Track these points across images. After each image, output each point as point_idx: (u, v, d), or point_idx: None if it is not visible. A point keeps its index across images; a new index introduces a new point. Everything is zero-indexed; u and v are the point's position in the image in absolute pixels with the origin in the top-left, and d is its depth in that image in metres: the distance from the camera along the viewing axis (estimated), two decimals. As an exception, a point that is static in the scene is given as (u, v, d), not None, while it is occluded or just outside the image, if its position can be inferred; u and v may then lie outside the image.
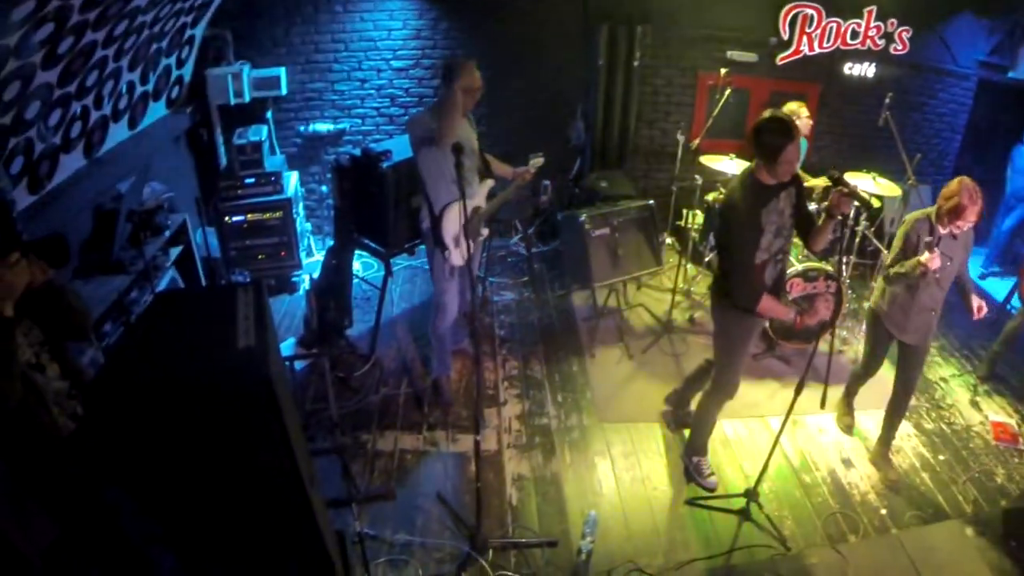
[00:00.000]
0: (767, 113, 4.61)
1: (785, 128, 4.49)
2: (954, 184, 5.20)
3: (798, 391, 4.89)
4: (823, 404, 4.98)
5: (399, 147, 6.29)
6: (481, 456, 4.77)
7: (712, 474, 5.70)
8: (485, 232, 6.07)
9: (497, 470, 5.55)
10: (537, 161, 5.99)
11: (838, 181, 4.75)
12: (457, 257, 5.63)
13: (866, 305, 7.60)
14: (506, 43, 8.38)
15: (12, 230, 3.27)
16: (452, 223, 5.55)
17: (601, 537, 5.00)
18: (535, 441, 5.87)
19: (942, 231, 5.28)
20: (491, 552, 4.81)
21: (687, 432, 5.89)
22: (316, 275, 6.84)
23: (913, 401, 6.81)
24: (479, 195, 5.79)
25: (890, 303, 5.67)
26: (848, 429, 6.40)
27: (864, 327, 6.22)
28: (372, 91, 8.40)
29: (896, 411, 6.04)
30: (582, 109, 8.73)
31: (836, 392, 6.52)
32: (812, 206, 7.09)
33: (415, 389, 6.31)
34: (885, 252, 7.65)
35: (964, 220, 5.18)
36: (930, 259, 5.16)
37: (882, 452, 6.19)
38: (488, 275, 8.00)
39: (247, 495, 2.92)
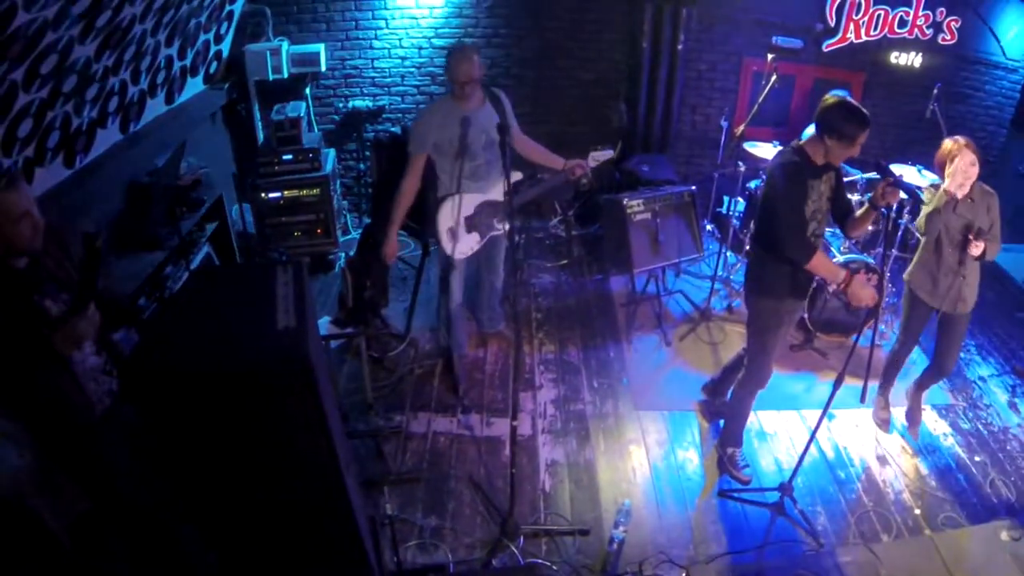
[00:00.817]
0: (845, 98, 4.65)
1: (865, 118, 4.54)
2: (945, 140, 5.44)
3: (837, 384, 4.82)
4: (863, 398, 4.96)
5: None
6: (516, 441, 4.73)
7: (747, 466, 5.65)
8: (501, 228, 5.88)
9: (531, 455, 5.52)
10: (602, 154, 5.87)
11: (885, 171, 4.70)
12: (451, 250, 5.58)
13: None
14: (550, 23, 8.33)
15: (95, 281, 3.29)
16: (445, 216, 5.51)
17: (634, 527, 4.95)
18: (570, 427, 5.84)
19: (953, 191, 5.32)
20: (522, 539, 4.77)
21: (723, 423, 5.84)
22: (352, 253, 6.82)
23: (951, 400, 6.76)
24: (494, 189, 5.68)
25: (918, 267, 5.69)
26: (884, 424, 6.30)
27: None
28: (413, 69, 8.34)
29: (925, 383, 6.17)
30: (625, 92, 8.64)
31: (874, 386, 6.41)
32: (855, 197, 7.02)
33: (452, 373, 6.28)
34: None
35: (964, 172, 5.25)
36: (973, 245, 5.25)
37: (909, 411, 6.35)
38: (527, 257, 7.95)
39: (284, 479, 2.91)
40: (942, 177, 5.42)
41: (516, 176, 5.66)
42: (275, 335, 2.71)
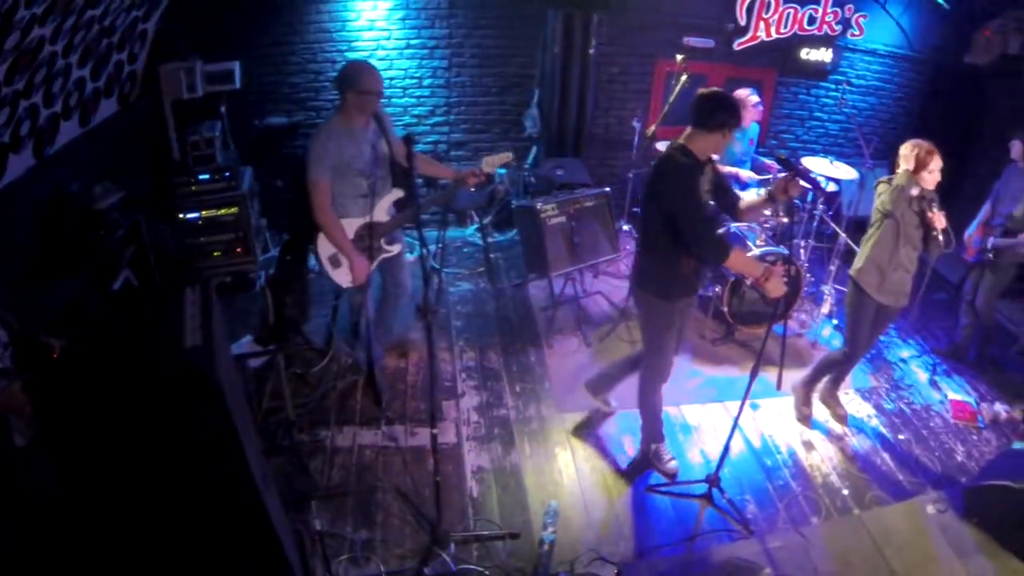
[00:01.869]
0: (715, 89, 4.75)
1: (735, 104, 4.67)
2: (905, 146, 5.56)
3: (754, 374, 4.91)
4: (779, 385, 5.03)
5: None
6: (439, 449, 4.72)
7: (672, 459, 5.70)
8: (395, 248, 5.86)
9: (457, 463, 5.51)
10: (497, 158, 5.87)
11: (786, 164, 4.77)
12: (338, 277, 5.60)
13: (825, 289, 7.67)
14: (462, 33, 8.33)
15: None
16: (325, 243, 5.51)
17: (563, 527, 4.98)
18: (494, 433, 5.84)
19: (914, 192, 5.50)
20: (453, 546, 4.75)
21: (640, 422, 5.83)
22: (272, 271, 6.76)
23: (873, 383, 6.90)
24: (378, 210, 5.61)
25: (868, 263, 5.76)
26: (806, 420, 6.41)
27: (845, 303, 6.21)
28: (326, 83, 8.29)
29: (845, 367, 6.30)
30: (537, 98, 8.69)
31: (794, 375, 6.56)
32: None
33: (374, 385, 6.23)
34: (843, 235, 7.71)
35: (932, 172, 5.48)
36: (935, 216, 5.48)
37: (831, 392, 6.48)
38: (443, 266, 7.94)
39: (198, 495, 2.88)
40: (902, 169, 5.59)
41: (398, 194, 5.72)
42: (181, 353, 2.74)
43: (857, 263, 5.89)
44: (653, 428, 5.68)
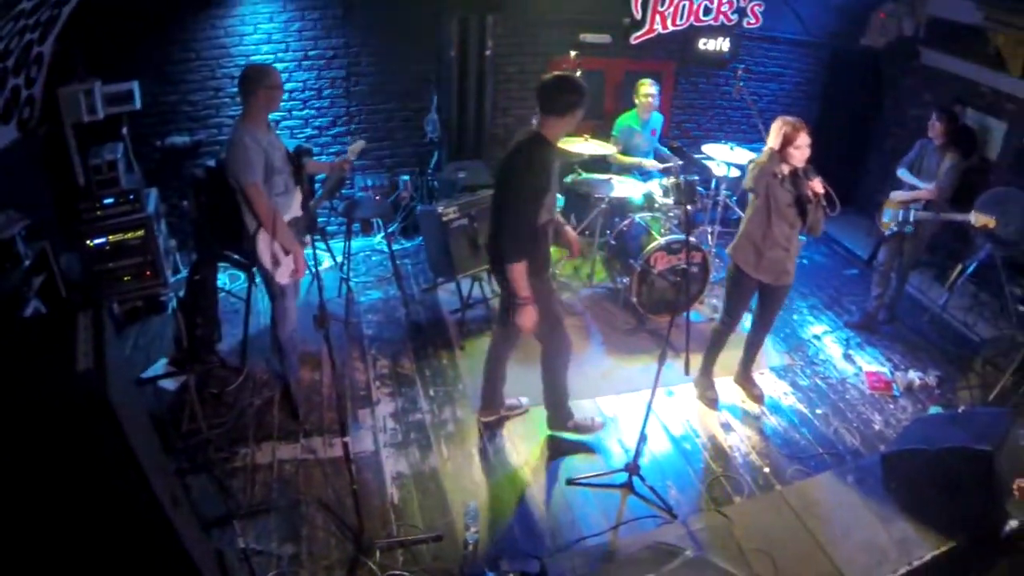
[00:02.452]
0: (556, 73, 4.91)
1: (581, 88, 4.75)
2: (774, 123, 5.58)
3: (662, 360, 5.02)
4: (687, 370, 5.10)
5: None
6: (356, 459, 4.81)
7: (593, 419, 5.91)
8: (307, 240, 5.95)
9: (376, 470, 5.50)
10: (356, 146, 5.98)
11: (679, 152, 4.86)
12: (281, 276, 5.57)
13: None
14: (358, 41, 8.29)
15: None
16: (264, 245, 5.47)
17: (486, 526, 5.01)
18: (411, 438, 5.84)
19: (785, 170, 5.58)
20: (378, 553, 4.75)
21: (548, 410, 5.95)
22: (182, 292, 6.68)
23: (787, 360, 7.06)
24: (294, 205, 5.68)
25: (743, 241, 5.87)
26: (713, 403, 6.50)
27: (725, 276, 6.34)
28: (227, 99, 8.19)
29: (754, 343, 6.43)
30: (436, 102, 8.67)
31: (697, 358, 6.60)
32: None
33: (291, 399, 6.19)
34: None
35: (800, 148, 5.48)
36: (813, 182, 5.54)
37: (744, 374, 6.59)
38: (352, 276, 7.90)
39: (100, 518, 2.85)
40: (766, 147, 5.64)
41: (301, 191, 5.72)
42: (73, 377, 2.73)
43: (734, 241, 6.01)
44: (565, 407, 5.81)
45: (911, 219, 7.16)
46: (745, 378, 6.64)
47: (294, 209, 5.64)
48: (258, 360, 6.54)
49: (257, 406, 6.09)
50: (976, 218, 6.77)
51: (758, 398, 6.55)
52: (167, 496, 3.09)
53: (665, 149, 8.14)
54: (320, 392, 6.33)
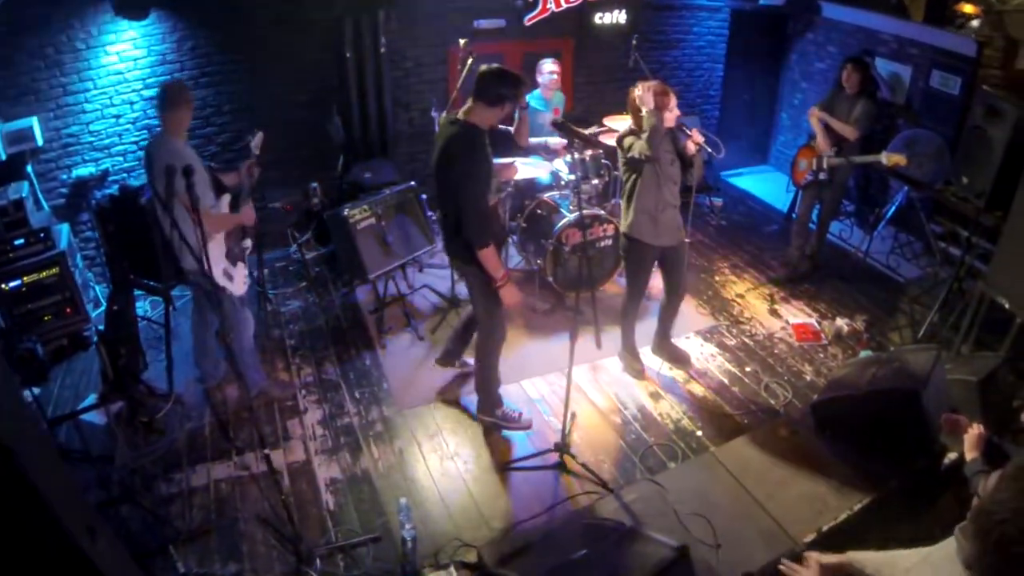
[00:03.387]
0: (496, 65, 4.98)
1: (519, 84, 4.94)
2: (637, 89, 5.71)
3: (573, 337, 5.09)
4: (598, 344, 5.17)
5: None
6: (285, 469, 4.99)
7: (520, 413, 5.93)
8: (249, 244, 5.94)
9: (309, 478, 5.49)
10: (257, 140, 6.00)
11: (562, 127, 4.95)
12: (235, 288, 5.62)
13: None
14: (255, 53, 8.21)
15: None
16: (215, 259, 5.46)
17: (422, 522, 5.02)
18: (341, 442, 5.83)
19: (666, 127, 5.67)
20: (319, 561, 4.75)
21: (478, 392, 6.01)
22: (101, 325, 6.62)
23: (712, 322, 7.14)
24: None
25: (637, 215, 5.90)
26: (640, 374, 6.56)
27: (624, 257, 6.40)
28: (128, 125, 8.09)
29: (668, 310, 6.49)
30: (338, 105, 8.61)
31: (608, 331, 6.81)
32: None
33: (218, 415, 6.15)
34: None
35: (672, 110, 5.65)
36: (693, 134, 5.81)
37: (662, 342, 6.68)
38: (269, 287, 7.83)
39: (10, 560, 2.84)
40: (645, 112, 5.64)
41: (227, 198, 5.76)
42: None
43: (627, 219, 6.02)
44: (493, 394, 5.87)
45: (824, 166, 7.31)
46: (665, 346, 6.70)
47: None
48: (186, 383, 6.49)
49: (188, 429, 6.04)
50: (887, 158, 6.87)
51: (684, 360, 6.63)
52: (81, 530, 3.08)
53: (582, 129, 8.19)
54: (249, 407, 6.28)
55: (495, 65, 5.03)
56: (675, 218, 5.98)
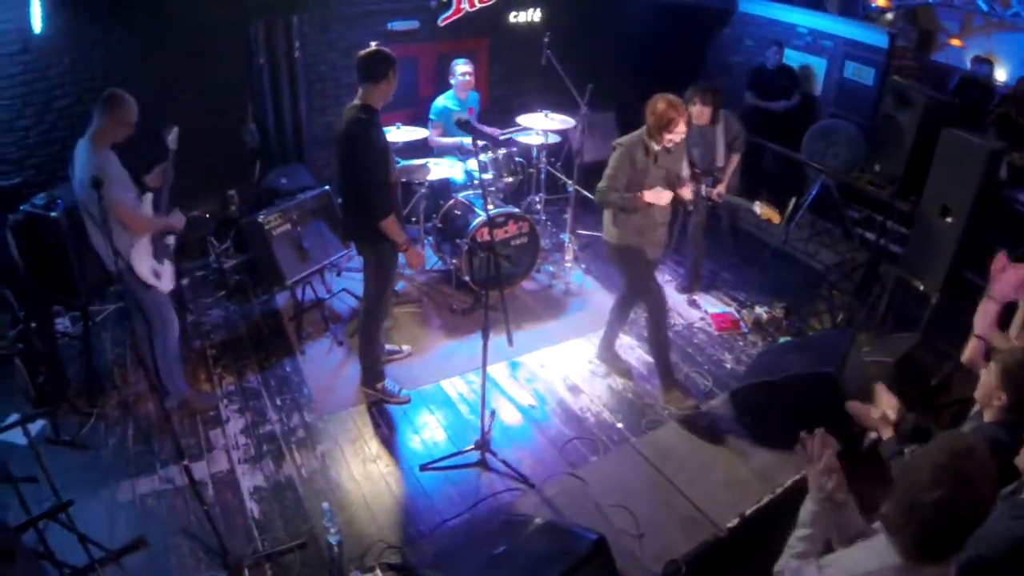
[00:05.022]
0: (369, 49, 5.42)
1: (390, 57, 5.31)
2: (659, 103, 5.55)
3: (485, 335, 5.30)
4: (509, 342, 5.26)
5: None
6: (209, 480, 5.02)
7: (401, 388, 6.17)
8: (172, 240, 5.91)
9: (233, 488, 5.48)
10: (173, 136, 5.93)
11: (466, 126, 5.06)
12: (164, 286, 5.65)
13: (566, 237, 7.92)
14: (167, 59, 8.04)
15: None
16: (141, 259, 5.44)
17: (347, 526, 5.05)
18: (263, 450, 5.82)
19: (657, 148, 5.65)
20: (247, 571, 4.76)
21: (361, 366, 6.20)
22: (19, 344, 6.55)
23: (631, 315, 7.15)
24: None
25: (629, 233, 5.91)
26: (626, 374, 6.61)
27: (615, 263, 6.33)
28: (40, 138, 7.90)
29: (620, 319, 6.54)
30: (252, 111, 8.60)
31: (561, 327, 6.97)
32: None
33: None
34: (570, 183, 8.06)
35: (675, 132, 5.57)
36: (683, 190, 5.88)
37: (607, 353, 6.72)
38: (190, 297, 7.77)
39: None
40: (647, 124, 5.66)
41: (149, 197, 5.75)
42: None
43: (613, 232, 5.98)
44: (376, 368, 6.10)
45: (703, 194, 6.92)
46: (611, 356, 6.73)
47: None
48: (109, 397, 6.45)
49: (112, 446, 5.98)
50: (760, 208, 6.32)
51: (626, 371, 6.62)
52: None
53: (483, 127, 8.22)
54: (169, 420, 6.24)
55: (368, 49, 5.45)
56: (664, 235, 6.13)
